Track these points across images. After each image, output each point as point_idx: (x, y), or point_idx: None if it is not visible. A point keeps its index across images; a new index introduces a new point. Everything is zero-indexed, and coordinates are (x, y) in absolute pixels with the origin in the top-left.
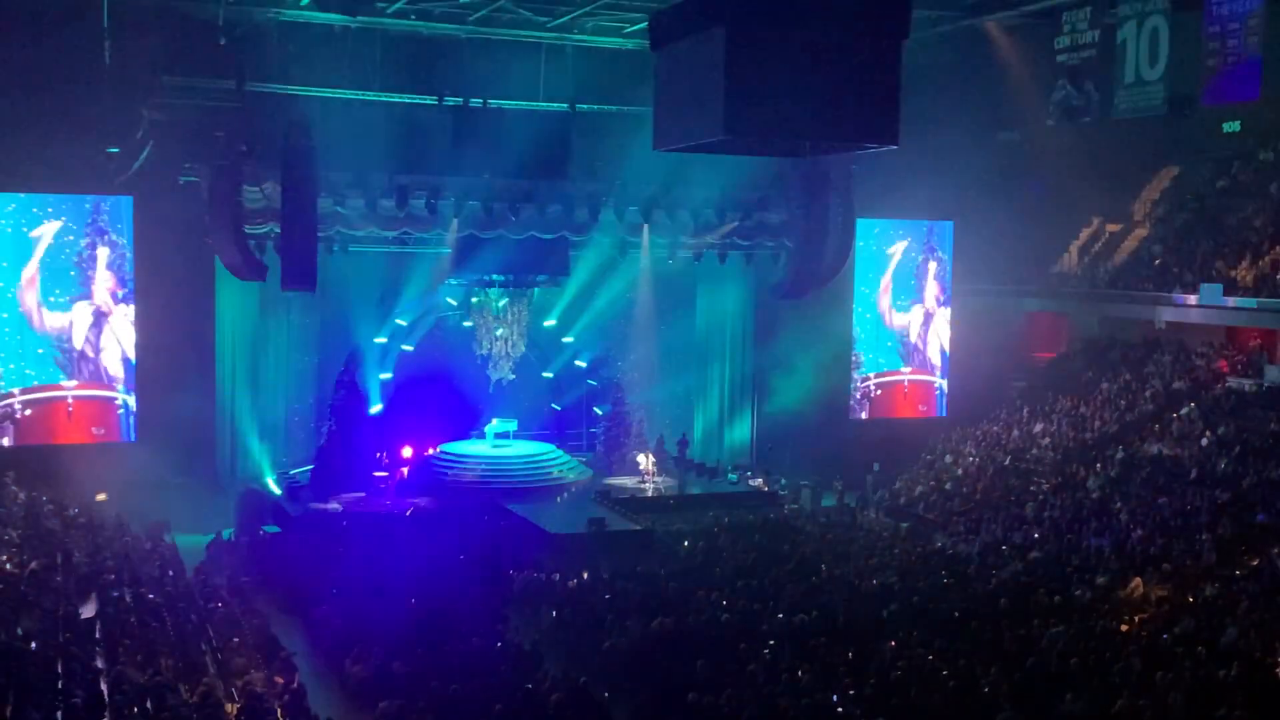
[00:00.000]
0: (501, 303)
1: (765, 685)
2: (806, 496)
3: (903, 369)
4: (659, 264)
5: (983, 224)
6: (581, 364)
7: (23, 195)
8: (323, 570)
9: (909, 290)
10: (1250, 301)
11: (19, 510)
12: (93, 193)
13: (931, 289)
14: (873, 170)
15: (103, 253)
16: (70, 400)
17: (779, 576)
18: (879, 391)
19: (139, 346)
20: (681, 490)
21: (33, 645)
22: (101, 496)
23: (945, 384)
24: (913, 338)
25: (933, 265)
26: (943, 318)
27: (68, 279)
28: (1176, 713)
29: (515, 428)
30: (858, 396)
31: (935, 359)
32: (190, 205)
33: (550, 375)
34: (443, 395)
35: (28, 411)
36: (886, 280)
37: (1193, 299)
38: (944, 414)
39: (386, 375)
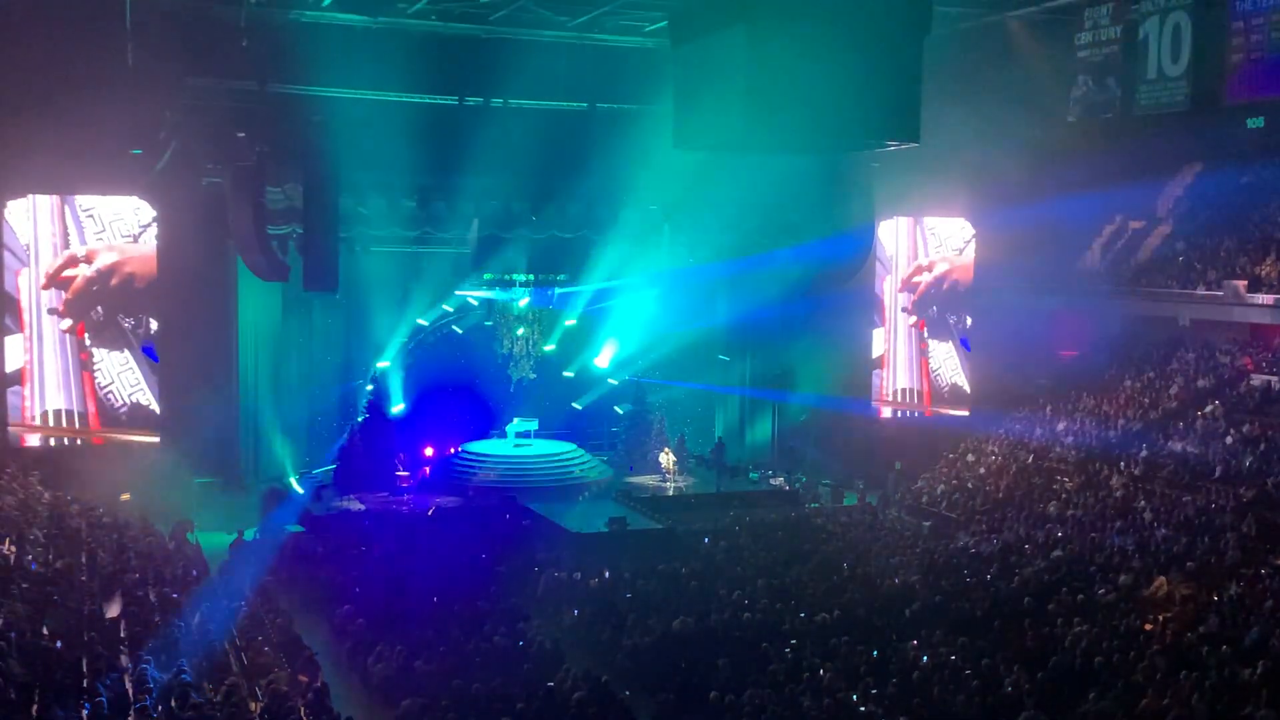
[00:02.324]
0: (522, 302)
1: (787, 684)
2: (828, 495)
3: (924, 365)
4: (679, 263)
5: (1005, 221)
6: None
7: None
8: (345, 569)
9: (930, 289)
10: (1275, 298)
11: (44, 510)
12: (116, 194)
13: (953, 287)
14: (894, 168)
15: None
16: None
17: (801, 575)
18: (900, 387)
19: (161, 346)
20: (718, 491)
21: (58, 644)
22: (125, 496)
23: (968, 385)
24: (934, 336)
25: (953, 263)
26: (965, 316)
27: None
28: (1200, 712)
29: (536, 427)
30: (877, 396)
31: (958, 357)
32: (213, 206)
33: (571, 374)
34: (464, 395)
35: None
36: (907, 278)
37: (1217, 296)
38: (967, 410)
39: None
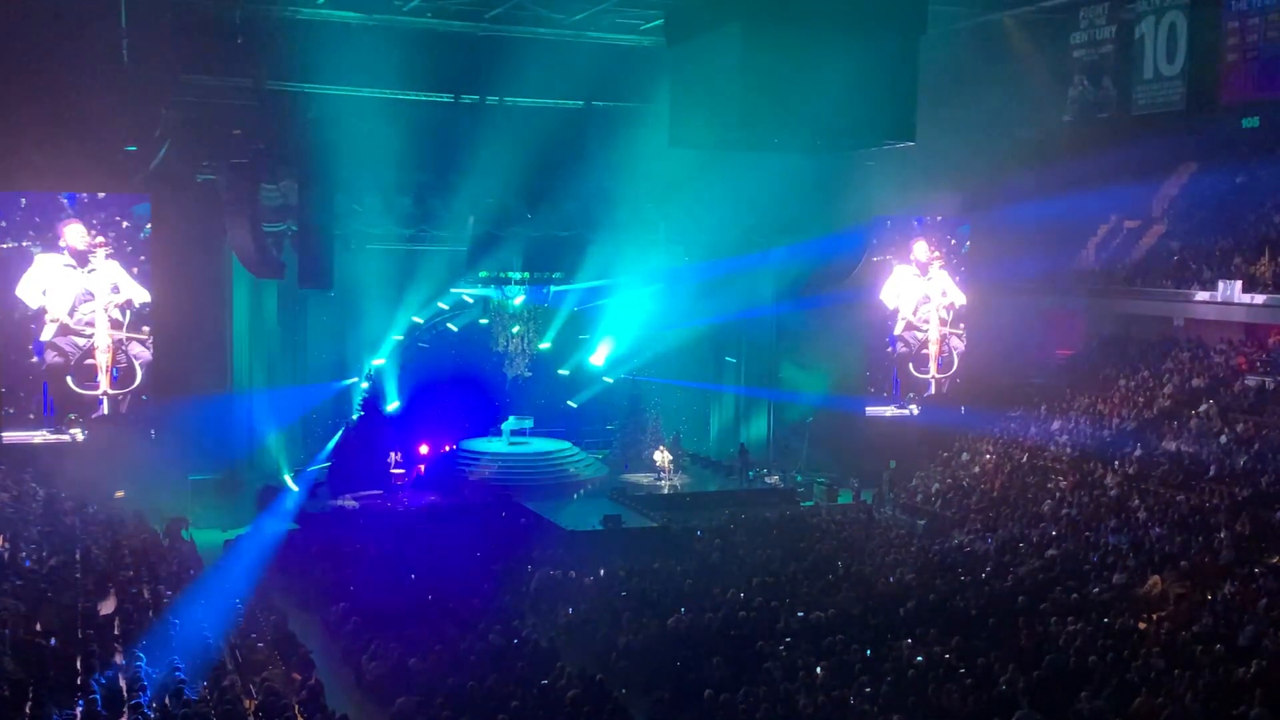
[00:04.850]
0: (518, 300)
1: (782, 683)
2: (823, 493)
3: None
4: (675, 260)
5: (1000, 221)
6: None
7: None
8: (340, 567)
9: (926, 287)
10: (1269, 297)
11: (38, 507)
12: (111, 191)
13: (948, 286)
14: (889, 166)
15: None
16: (86, 361)
17: (796, 574)
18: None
19: (156, 343)
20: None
21: (52, 641)
22: (120, 493)
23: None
24: (931, 335)
25: (950, 262)
26: (959, 314)
27: None
28: (1194, 711)
29: (531, 425)
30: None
31: (953, 353)
32: (208, 203)
33: (566, 372)
34: (460, 393)
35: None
36: (903, 277)
37: (1211, 295)
38: (962, 409)
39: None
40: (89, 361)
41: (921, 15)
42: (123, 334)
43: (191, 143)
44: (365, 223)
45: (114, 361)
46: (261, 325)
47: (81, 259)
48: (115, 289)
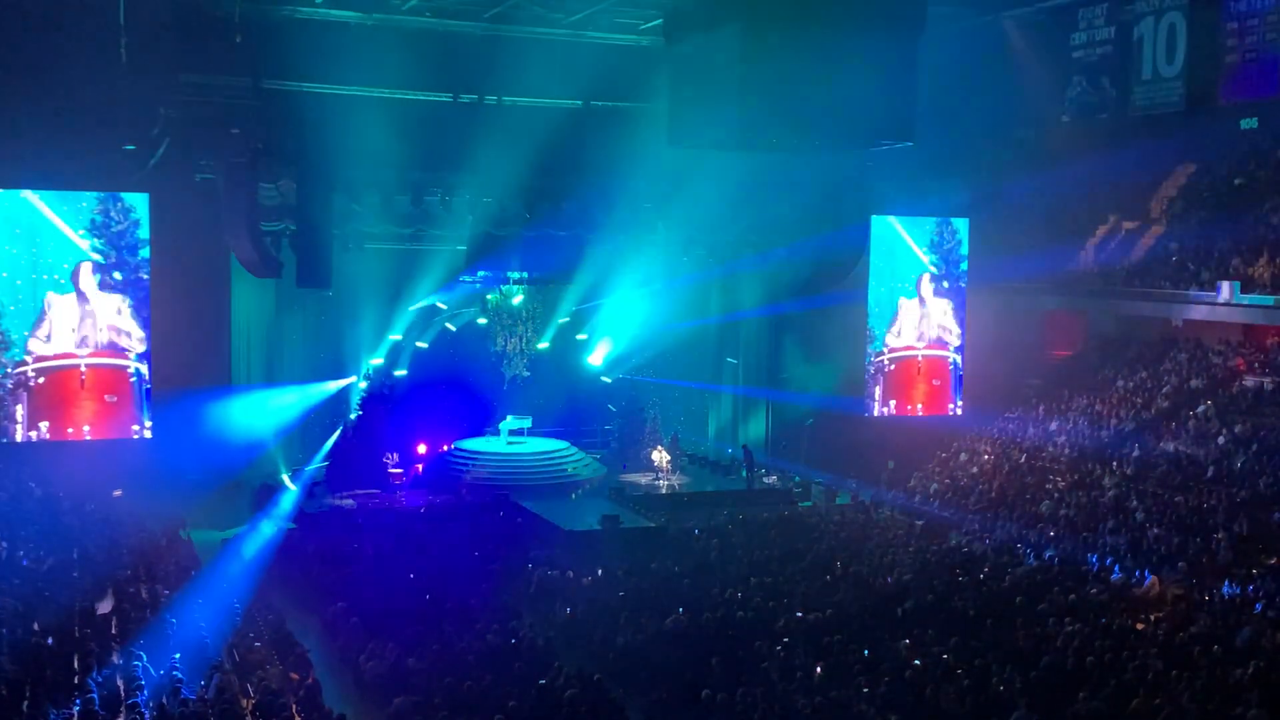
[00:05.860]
0: (516, 300)
1: (779, 683)
2: (821, 494)
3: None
4: (673, 260)
5: (999, 221)
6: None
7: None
8: (338, 566)
9: (925, 286)
10: (1268, 299)
11: (36, 506)
12: (109, 190)
13: (946, 285)
14: (888, 167)
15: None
16: (83, 368)
17: (793, 574)
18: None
19: (154, 342)
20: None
21: (49, 641)
22: (118, 493)
23: (960, 358)
24: (930, 334)
25: (948, 262)
26: (957, 314)
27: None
28: (1191, 712)
29: (529, 425)
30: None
31: (950, 347)
32: (206, 202)
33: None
34: (458, 392)
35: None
36: (902, 276)
37: (1210, 296)
38: (958, 390)
39: (401, 372)
40: (85, 365)
41: (921, 15)
42: (119, 341)
43: (190, 142)
44: (363, 222)
45: (109, 365)
46: (260, 324)
47: (80, 277)
48: (109, 282)
